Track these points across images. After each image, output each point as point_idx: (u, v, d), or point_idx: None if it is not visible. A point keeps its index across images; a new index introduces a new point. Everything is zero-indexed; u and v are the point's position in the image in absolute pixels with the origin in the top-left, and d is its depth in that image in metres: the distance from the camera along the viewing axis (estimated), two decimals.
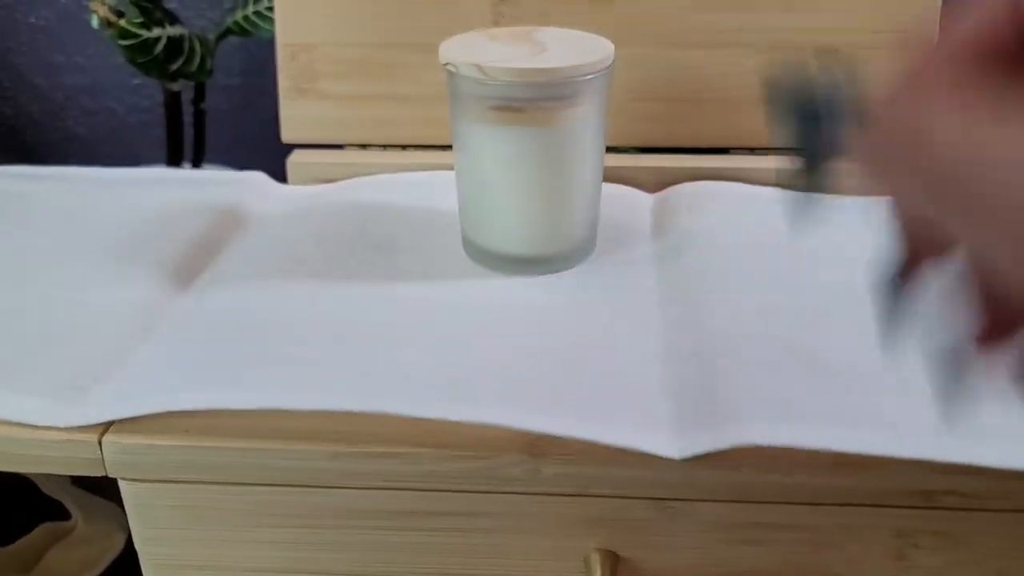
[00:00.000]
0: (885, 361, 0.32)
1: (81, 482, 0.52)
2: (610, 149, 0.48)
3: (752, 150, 0.48)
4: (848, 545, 0.31)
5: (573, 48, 0.38)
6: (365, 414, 0.31)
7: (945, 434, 0.29)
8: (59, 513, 0.50)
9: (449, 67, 0.37)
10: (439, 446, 0.31)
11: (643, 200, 0.47)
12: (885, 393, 0.31)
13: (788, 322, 0.35)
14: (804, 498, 0.30)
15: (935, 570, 0.32)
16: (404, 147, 0.50)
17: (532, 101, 0.37)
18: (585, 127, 0.38)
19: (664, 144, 0.49)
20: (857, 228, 0.42)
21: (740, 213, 0.44)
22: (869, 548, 0.31)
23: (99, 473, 0.32)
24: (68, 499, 0.50)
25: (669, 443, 0.30)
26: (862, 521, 0.31)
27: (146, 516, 0.33)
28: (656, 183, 0.47)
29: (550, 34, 0.40)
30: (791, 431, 0.29)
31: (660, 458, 0.30)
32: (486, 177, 0.39)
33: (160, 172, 0.50)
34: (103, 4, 0.50)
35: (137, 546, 0.34)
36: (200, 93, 0.62)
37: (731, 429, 0.30)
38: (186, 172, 0.52)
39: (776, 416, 0.30)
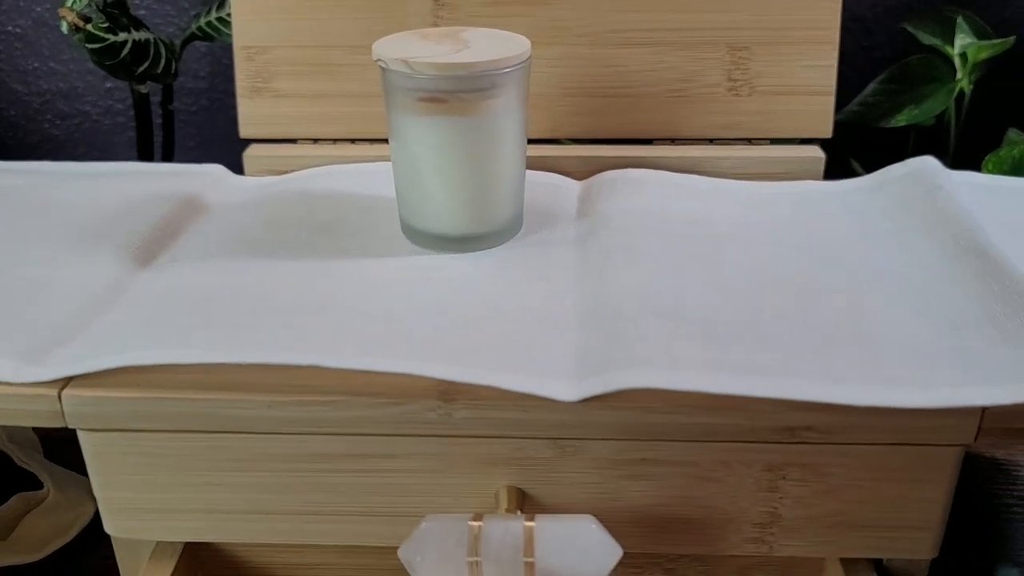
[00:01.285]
0: (761, 322, 0.36)
1: (53, 456, 0.56)
2: (543, 141, 0.53)
3: (672, 140, 0.53)
4: (726, 478, 0.36)
5: (493, 45, 0.43)
6: (299, 368, 0.35)
7: (802, 377, 0.33)
8: (32, 484, 0.54)
9: (380, 63, 0.42)
10: (364, 394, 0.35)
11: (571, 187, 0.51)
12: (759, 347, 0.35)
13: (686, 291, 0.40)
14: (684, 436, 0.35)
15: (803, 500, 0.36)
16: (353, 140, 0.55)
17: (454, 93, 0.41)
18: (506, 117, 0.43)
19: (592, 135, 0.54)
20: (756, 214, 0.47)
21: (659, 197, 0.49)
22: (744, 481, 0.36)
23: (59, 424, 0.36)
24: (41, 470, 0.54)
25: (566, 388, 0.34)
26: (736, 456, 0.35)
27: (103, 464, 0.37)
28: (584, 171, 0.52)
29: (475, 33, 0.44)
30: (671, 376, 0.34)
31: (557, 402, 0.34)
32: (417, 163, 0.43)
33: (125, 165, 0.55)
34: (71, 10, 0.54)
35: (96, 493, 0.38)
36: (168, 95, 0.66)
37: (621, 375, 0.34)
38: (150, 165, 0.56)
39: (661, 364, 0.34)
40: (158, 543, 0.40)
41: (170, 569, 0.39)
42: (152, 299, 0.40)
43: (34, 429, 0.56)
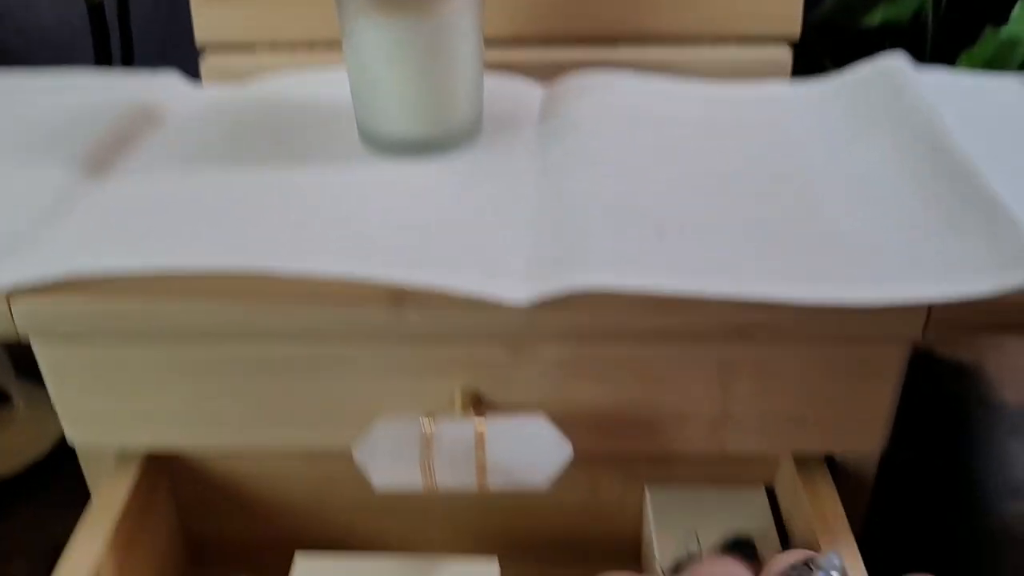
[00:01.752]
0: (716, 222, 0.36)
1: (23, 372, 0.56)
2: (503, 43, 0.52)
3: (638, 41, 0.52)
4: (678, 378, 0.36)
5: None
6: (248, 273, 0.35)
7: (753, 275, 0.33)
8: (3, 401, 0.55)
9: None
10: (315, 299, 0.35)
11: (533, 91, 0.51)
12: (712, 246, 0.35)
13: (643, 191, 0.39)
14: (635, 336, 0.35)
15: (753, 398, 0.37)
16: (311, 46, 0.53)
17: None
18: (461, 17, 0.42)
19: (554, 37, 0.52)
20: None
21: (622, 98, 0.48)
22: (695, 380, 0.36)
23: (12, 337, 0.36)
24: (10, 385, 0.55)
25: (517, 291, 0.34)
26: (688, 356, 0.36)
27: (59, 374, 0.37)
28: (546, 74, 0.51)
29: None
30: (620, 276, 0.34)
31: (509, 304, 0.34)
32: (370, 66, 0.42)
33: (77, 74, 0.53)
34: None
35: (55, 402, 0.38)
36: (124, 4, 0.65)
37: (572, 277, 0.34)
38: (103, 74, 0.54)
39: (612, 265, 0.34)
40: (120, 452, 0.41)
41: (133, 478, 0.40)
42: (103, 208, 0.40)
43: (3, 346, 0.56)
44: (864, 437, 0.38)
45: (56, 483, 0.52)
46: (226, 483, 0.43)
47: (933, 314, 0.33)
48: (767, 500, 0.41)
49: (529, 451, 0.33)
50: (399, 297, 0.35)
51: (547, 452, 0.33)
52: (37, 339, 0.36)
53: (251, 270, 0.35)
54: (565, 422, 0.35)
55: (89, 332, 0.36)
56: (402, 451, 0.33)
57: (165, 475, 0.42)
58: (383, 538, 0.44)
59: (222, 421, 0.38)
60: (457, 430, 0.33)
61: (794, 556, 0.28)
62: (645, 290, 0.33)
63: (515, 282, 0.35)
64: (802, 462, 0.39)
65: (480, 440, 0.33)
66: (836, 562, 0.27)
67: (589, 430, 0.37)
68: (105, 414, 0.38)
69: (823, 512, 0.37)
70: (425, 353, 0.36)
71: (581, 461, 0.41)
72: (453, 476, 0.33)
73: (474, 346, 0.36)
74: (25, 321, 0.35)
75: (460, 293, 0.34)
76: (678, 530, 0.39)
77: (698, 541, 0.39)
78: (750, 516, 0.40)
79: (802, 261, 0.34)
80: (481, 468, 0.33)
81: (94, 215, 0.39)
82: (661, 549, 0.39)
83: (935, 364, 0.59)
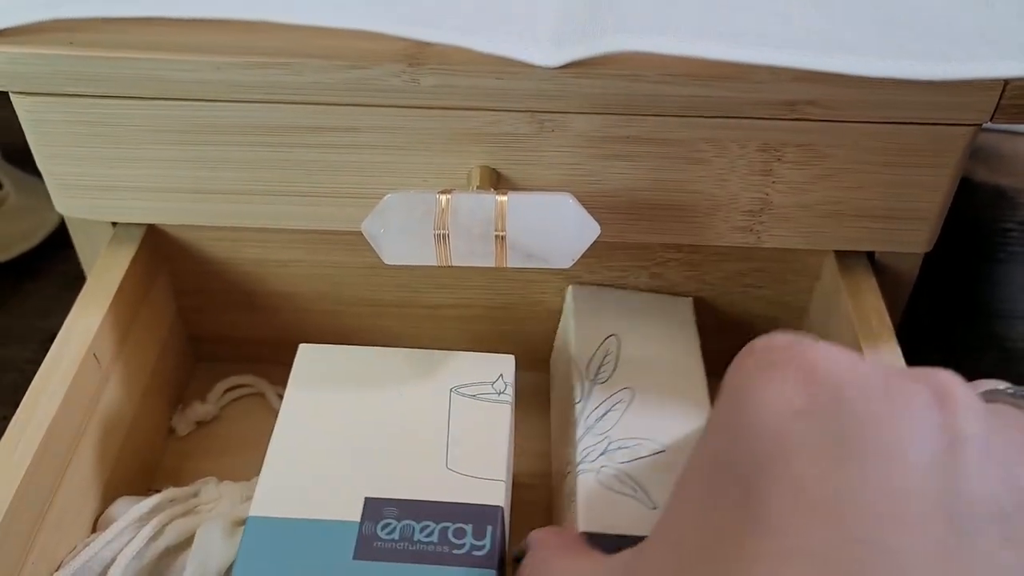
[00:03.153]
0: None
1: (14, 159, 0.54)
2: None
3: None
4: (716, 160, 0.33)
5: None
6: (249, 25, 0.32)
7: (809, 47, 0.30)
8: None
9: None
10: (321, 56, 0.32)
11: None
12: (765, 18, 0.32)
13: None
14: (673, 109, 0.32)
15: (797, 185, 0.34)
16: None
17: None
18: None
19: None
20: None
21: None
22: (736, 162, 0.33)
23: None
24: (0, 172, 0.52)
25: (546, 54, 0.31)
26: (729, 134, 0.33)
27: (45, 133, 0.35)
28: None
29: None
30: (662, 40, 0.30)
31: (536, 67, 0.31)
32: None
33: None
34: None
35: (40, 166, 0.36)
36: None
37: (606, 39, 0.31)
38: None
39: (652, 29, 0.31)
40: (117, 229, 0.39)
41: (129, 256, 0.38)
42: None
43: None
44: (911, 235, 0.35)
45: (55, 271, 0.50)
46: (227, 274, 0.41)
47: (1007, 93, 0.30)
48: (692, 308, 0.39)
49: (552, 229, 0.31)
50: (416, 57, 0.31)
51: (572, 230, 0.31)
52: (19, 94, 0.33)
53: (252, 19, 0.31)
54: (590, 205, 0.32)
55: (72, 85, 0.33)
56: (415, 224, 0.31)
57: (163, 265, 0.40)
58: (393, 338, 0.43)
59: (221, 193, 0.36)
60: (475, 204, 0.31)
61: (986, 384, 0.26)
62: (688, 55, 0.30)
63: (544, 44, 0.31)
64: (845, 262, 0.37)
65: (500, 216, 0.31)
66: None
67: (615, 215, 0.35)
68: (95, 181, 0.36)
69: (865, 313, 0.35)
70: (441, 125, 0.33)
71: (610, 262, 0.39)
72: (470, 252, 0.31)
73: (495, 116, 0.33)
74: (3, 69, 0.32)
75: (482, 53, 0.31)
76: (599, 330, 0.38)
77: (618, 344, 0.37)
78: (674, 323, 0.39)
79: (865, 35, 0.31)
80: (500, 244, 0.31)
81: None
82: (579, 347, 0.37)
83: (974, 189, 0.56)
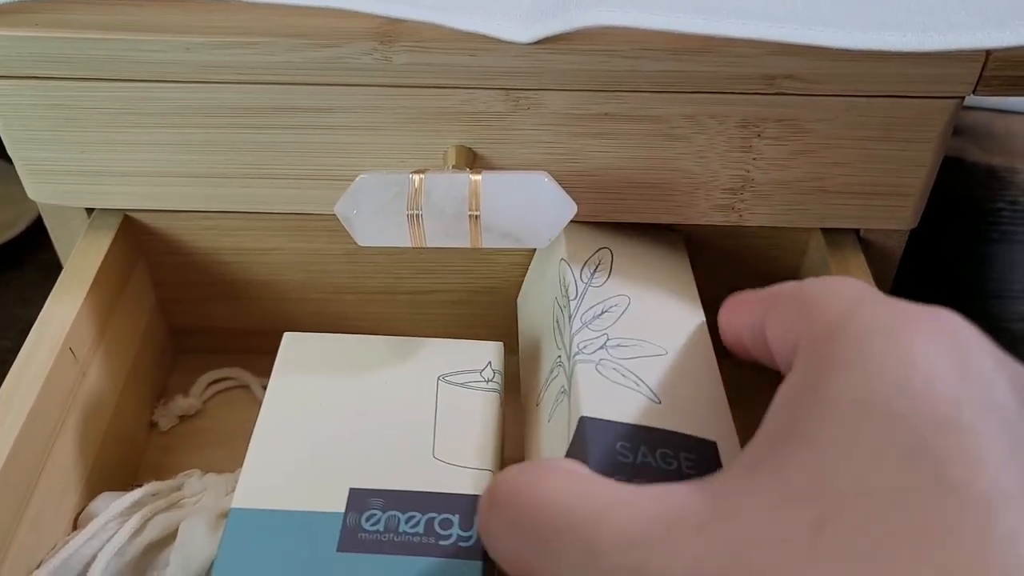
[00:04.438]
0: None
1: None
2: None
3: None
4: (695, 136, 0.33)
5: None
6: (218, 4, 0.31)
7: (787, 20, 0.30)
8: None
9: None
10: (291, 35, 0.31)
11: None
12: None
13: None
14: (650, 85, 0.32)
15: (778, 161, 0.34)
16: None
17: None
18: None
19: None
20: None
21: None
22: (715, 139, 0.33)
23: None
24: None
25: (519, 29, 0.31)
26: (707, 110, 0.32)
27: (13, 117, 0.34)
28: None
29: None
30: (637, 15, 0.30)
31: (510, 43, 0.31)
32: None
33: None
34: None
35: (10, 152, 0.35)
36: None
37: (581, 13, 0.30)
38: None
39: (627, 3, 0.31)
40: (92, 218, 0.38)
41: (105, 247, 0.37)
42: None
43: None
44: (895, 211, 0.35)
45: (37, 260, 0.50)
46: (207, 264, 0.40)
47: (989, 64, 0.30)
48: (683, 242, 0.38)
49: (528, 208, 0.31)
50: (387, 34, 0.31)
51: (548, 209, 0.31)
52: None
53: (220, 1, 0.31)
54: (567, 184, 0.32)
55: (41, 68, 0.32)
56: (388, 204, 0.31)
57: (141, 256, 0.40)
58: (378, 325, 0.42)
59: (194, 176, 0.36)
60: (449, 183, 0.31)
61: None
62: (665, 29, 0.30)
63: (517, 20, 0.31)
64: (832, 240, 0.37)
65: (475, 195, 0.30)
66: None
67: (592, 194, 0.35)
68: (65, 166, 0.35)
69: None
70: (414, 104, 0.33)
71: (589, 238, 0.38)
72: (444, 232, 0.31)
73: (469, 94, 0.32)
74: None
75: (455, 30, 0.31)
76: (592, 242, 0.36)
77: (611, 257, 0.35)
78: (665, 248, 0.37)
79: (843, 7, 0.31)
80: (475, 224, 0.31)
81: None
82: (572, 252, 0.35)
83: (966, 168, 0.56)
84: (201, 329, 0.43)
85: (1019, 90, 0.31)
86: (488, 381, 0.33)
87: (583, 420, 0.28)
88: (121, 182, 0.36)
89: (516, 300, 0.41)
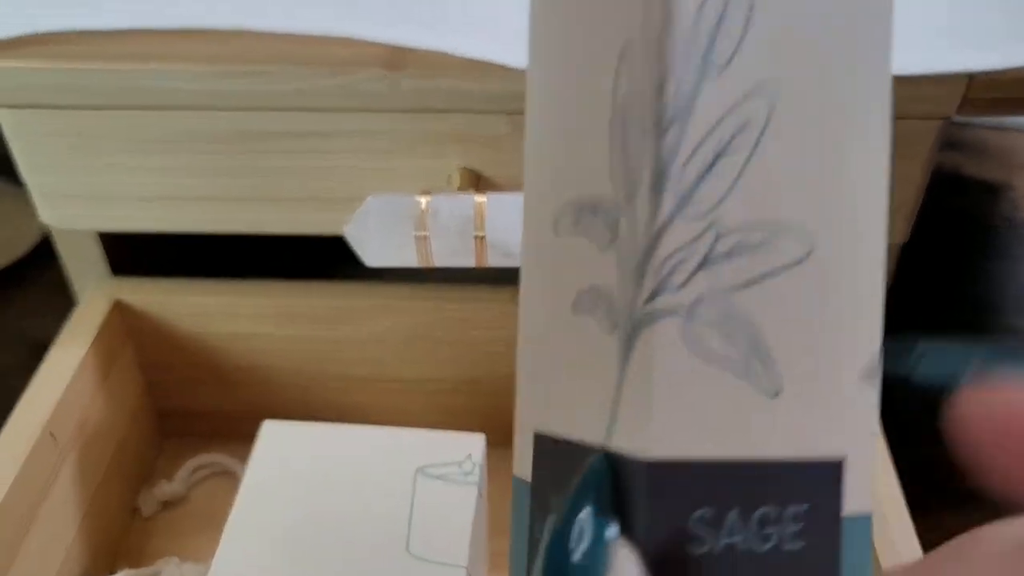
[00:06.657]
0: None
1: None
2: None
3: None
4: None
5: None
6: (227, 35, 0.33)
7: None
8: None
9: None
10: (300, 63, 0.33)
11: None
12: None
13: None
14: None
15: None
16: None
17: None
18: None
19: None
20: None
21: None
22: None
23: None
24: None
25: (519, 55, 0.33)
26: None
27: (29, 145, 0.36)
28: None
29: None
30: None
31: (513, 69, 0.32)
32: None
33: None
34: None
35: (24, 178, 0.37)
36: None
37: None
38: None
39: None
40: (85, 298, 0.40)
41: (93, 331, 0.38)
42: None
43: None
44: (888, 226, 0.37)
45: (41, 278, 0.51)
46: (195, 348, 0.41)
47: (973, 85, 0.32)
48: None
49: None
50: (394, 61, 0.33)
51: None
52: (1, 107, 0.35)
53: (229, 27, 0.33)
54: None
55: (54, 98, 0.34)
56: (396, 226, 0.33)
57: (129, 340, 0.41)
58: (362, 412, 0.43)
59: (201, 198, 0.37)
60: (455, 205, 0.32)
61: None
62: None
63: (519, 45, 0.33)
64: None
65: (480, 216, 0.32)
66: None
67: None
68: (77, 191, 0.37)
69: None
70: (421, 127, 0.35)
71: None
72: (451, 252, 0.33)
73: (473, 116, 0.34)
74: None
75: (463, 56, 0.33)
76: None
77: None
78: None
79: None
80: (480, 244, 0.32)
81: None
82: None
83: (962, 183, 0.58)
84: (189, 412, 0.43)
85: (1002, 111, 0.32)
86: (467, 475, 0.33)
87: (641, 466, 0.15)
88: (130, 206, 0.38)
89: (500, 389, 0.40)
